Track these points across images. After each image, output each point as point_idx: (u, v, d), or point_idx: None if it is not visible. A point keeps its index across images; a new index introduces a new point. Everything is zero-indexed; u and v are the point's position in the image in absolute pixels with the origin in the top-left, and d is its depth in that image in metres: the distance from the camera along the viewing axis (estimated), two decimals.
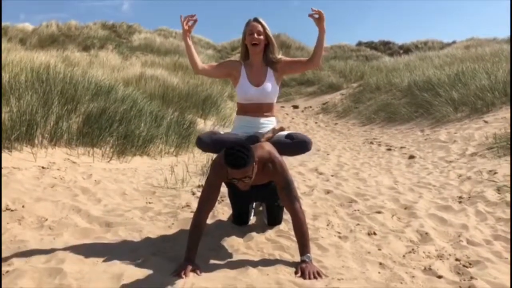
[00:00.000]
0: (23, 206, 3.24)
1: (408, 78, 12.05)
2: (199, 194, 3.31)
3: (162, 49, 21.03)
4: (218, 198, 3.75)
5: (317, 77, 16.59)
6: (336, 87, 15.55)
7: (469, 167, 5.01)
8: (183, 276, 2.32)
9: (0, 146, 4.31)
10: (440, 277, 2.35)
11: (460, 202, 3.80)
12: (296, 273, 2.37)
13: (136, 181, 4.50)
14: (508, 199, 3.60)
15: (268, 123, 2.92)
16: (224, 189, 3.42)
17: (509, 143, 5.25)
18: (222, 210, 3.52)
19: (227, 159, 2.33)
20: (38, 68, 6.48)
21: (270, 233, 3.04)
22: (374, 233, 3.06)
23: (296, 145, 2.75)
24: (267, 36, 2.84)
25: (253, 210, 3.32)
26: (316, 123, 11.84)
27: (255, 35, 2.82)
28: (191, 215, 2.68)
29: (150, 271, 2.37)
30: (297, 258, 2.54)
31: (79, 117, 5.71)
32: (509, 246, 2.80)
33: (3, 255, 2.47)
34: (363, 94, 13.14)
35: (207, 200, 2.56)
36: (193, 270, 2.38)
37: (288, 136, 2.80)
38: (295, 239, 2.88)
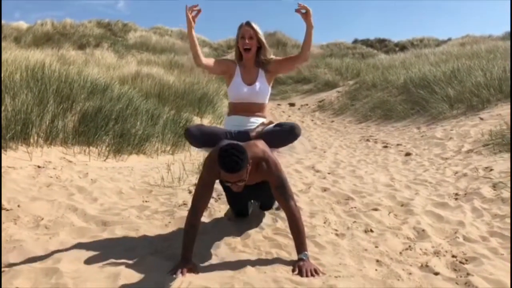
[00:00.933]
0: (18, 206, 3.23)
1: (404, 75, 12.07)
2: None
3: (158, 47, 21.00)
4: (215, 196, 3.78)
5: (313, 75, 16.60)
6: (332, 84, 15.55)
7: (465, 164, 5.03)
8: (180, 275, 2.31)
9: (0, 146, 4.29)
10: (436, 273, 2.36)
11: (456, 199, 3.82)
12: (293, 271, 2.37)
13: (133, 180, 4.49)
14: (504, 195, 3.62)
15: (258, 122, 2.92)
16: (218, 186, 3.42)
17: (504, 140, 5.26)
18: (219, 208, 3.52)
19: (221, 162, 2.30)
20: (33, 67, 6.44)
21: (267, 231, 3.04)
22: (371, 230, 3.06)
23: (285, 131, 2.76)
24: (259, 40, 2.88)
25: (251, 204, 3.32)
26: (312, 120, 11.84)
27: (247, 40, 2.86)
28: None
29: (147, 270, 2.36)
30: (295, 256, 2.53)
31: (75, 116, 5.69)
32: (505, 242, 2.81)
33: None
34: (359, 92, 13.15)
35: (201, 198, 2.55)
36: (190, 269, 2.37)
37: (277, 125, 2.85)
38: (292, 236, 2.89)
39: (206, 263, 2.51)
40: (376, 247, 2.76)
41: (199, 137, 2.75)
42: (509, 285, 2.20)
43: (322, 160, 6.19)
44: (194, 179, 4.51)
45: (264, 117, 2.99)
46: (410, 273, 2.37)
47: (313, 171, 5.27)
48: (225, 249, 2.72)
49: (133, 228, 3.05)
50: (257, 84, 2.93)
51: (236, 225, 3.12)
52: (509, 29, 21.14)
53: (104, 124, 5.69)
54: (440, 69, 11.12)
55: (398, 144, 7.17)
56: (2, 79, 5.51)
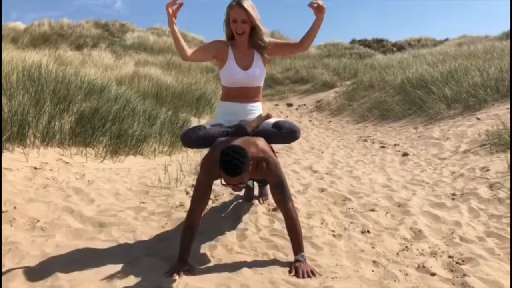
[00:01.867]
0: (14, 207, 3.21)
1: (402, 75, 12.07)
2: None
3: (156, 47, 20.96)
4: (212, 197, 3.77)
5: (311, 75, 16.60)
6: (330, 85, 15.55)
7: (462, 164, 5.03)
8: (177, 276, 2.31)
9: (0, 146, 4.27)
10: (433, 274, 2.36)
11: (453, 199, 3.82)
12: (290, 272, 2.37)
13: (130, 181, 4.48)
14: (501, 195, 3.62)
15: (254, 109, 2.85)
16: (216, 187, 3.42)
17: (501, 140, 5.27)
18: (216, 209, 3.51)
19: (223, 165, 2.26)
20: (29, 68, 6.42)
21: (264, 232, 3.04)
22: (368, 231, 3.07)
23: (285, 134, 2.71)
24: (252, 21, 2.69)
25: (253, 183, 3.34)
26: (310, 121, 11.84)
27: (240, 23, 2.68)
28: (185, 214, 2.66)
29: (143, 272, 2.36)
30: (291, 257, 2.53)
31: (72, 117, 5.67)
32: (501, 242, 2.81)
33: None
34: (356, 92, 13.15)
35: (200, 199, 2.54)
36: (187, 270, 2.37)
37: (276, 125, 2.73)
38: (289, 238, 2.89)
39: (203, 265, 2.51)
40: (373, 247, 2.76)
41: (195, 140, 2.68)
42: (505, 285, 2.21)
43: (320, 160, 6.19)
44: (191, 180, 4.50)
45: (259, 101, 2.89)
46: (406, 274, 2.37)
47: (311, 172, 5.27)
48: (221, 250, 2.72)
49: (130, 230, 3.04)
50: (254, 69, 2.79)
51: (233, 226, 3.12)
52: (506, 29, 21.19)
53: (101, 125, 5.66)
54: (437, 69, 11.13)
55: (395, 144, 7.18)
56: None
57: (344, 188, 4.31)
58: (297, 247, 2.46)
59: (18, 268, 2.35)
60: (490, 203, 3.56)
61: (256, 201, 3.63)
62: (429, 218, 3.35)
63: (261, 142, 2.58)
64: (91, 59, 13.67)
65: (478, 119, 7.27)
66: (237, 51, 2.80)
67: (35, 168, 4.26)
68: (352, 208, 3.62)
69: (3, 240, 2.72)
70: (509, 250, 2.67)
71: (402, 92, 10.82)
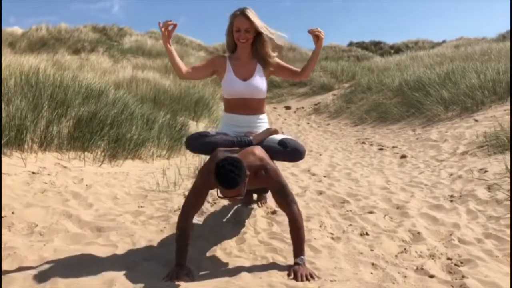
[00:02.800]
0: (12, 213, 3.20)
1: (399, 77, 12.12)
2: None
3: (153, 51, 20.98)
4: (210, 201, 3.78)
5: (309, 78, 16.61)
6: (328, 87, 15.59)
7: (460, 165, 5.04)
8: (176, 280, 2.31)
9: (0, 147, 4.26)
10: (432, 276, 2.36)
11: (451, 201, 3.82)
12: (288, 275, 2.37)
13: (128, 185, 4.47)
14: (499, 197, 3.63)
15: (260, 122, 2.83)
16: (214, 191, 3.40)
17: (499, 141, 5.29)
18: (214, 213, 3.51)
19: (218, 178, 2.22)
20: (27, 72, 6.41)
21: (263, 235, 3.04)
22: (367, 234, 3.07)
23: (289, 153, 2.66)
24: (256, 30, 2.69)
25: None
26: (308, 123, 11.86)
27: (243, 33, 2.68)
28: None
29: (142, 276, 2.36)
30: (290, 260, 2.53)
31: (70, 121, 5.66)
32: (500, 244, 2.81)
33: None
34: (354, 95, 13.18)
35: (193, 205, 2.52)
36: (186, 275, 2.37)
37: (281, 142, 2.68)
38: (288, 241, 2.89)
39: (201, 269, 2.51)
40: (372, 250, 2.76)
41: (199, 146, 2.65)
42: (504, 287, 2.21)
43: (318, 163, 6.19)
44: (189, 183, 4.50)
45: (263, 113, 2.87)
46: (405, 276, 2.37)
47: (309, 174, 5.27)
48: (220, 254, 2.71)
49: (128, 234, 3.03)
50: (254, 79, 2.75)
51: (232, 230, 3.11)
52: (502, 31, 21.29)
53: (99, 129, 5.66)
54: (435, 71, 11.17)
55: (393, 147, 7.19)
56: None
57: (343, 190, 4.32)
58: (299, 251, 2.46)
59: (16, 273, 2.35)
60: (488, 205, 3.57)
61: (254, 205, 3.63)
62: (427, 220, 3.35)
63: (258, 150, 2.54)
64: (89, 63, 13.68)
65: (476, 120, 7.29)
66: (237, 63, 2.78)
67: (33, 172, 4.25)
68: (350, 211, 3.62)
69: (1, 245, 2.71)
70: (507, 251, 2.67)
71: (400, 94, 10.86)
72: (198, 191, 2.54)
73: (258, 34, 2.72)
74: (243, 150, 2.54)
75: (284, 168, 5.68)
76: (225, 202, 3.84)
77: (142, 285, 2.26)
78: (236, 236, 2.99)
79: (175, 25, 2.64)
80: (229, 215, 3.46)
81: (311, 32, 2.72)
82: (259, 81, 2.77)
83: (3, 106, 4.99)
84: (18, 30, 23.13)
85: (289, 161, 2.77)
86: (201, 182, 2.52)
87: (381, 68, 15.93)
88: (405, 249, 2.76)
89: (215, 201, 3.85)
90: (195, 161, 5.80)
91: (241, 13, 2.68)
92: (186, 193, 4.09)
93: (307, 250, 2.73)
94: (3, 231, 2.94)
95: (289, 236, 2.94)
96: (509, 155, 4.73)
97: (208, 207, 3.68)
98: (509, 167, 4.15)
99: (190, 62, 19.18)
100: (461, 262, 2.55)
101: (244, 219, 3.31)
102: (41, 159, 4.68)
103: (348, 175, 5.22)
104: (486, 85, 8.48)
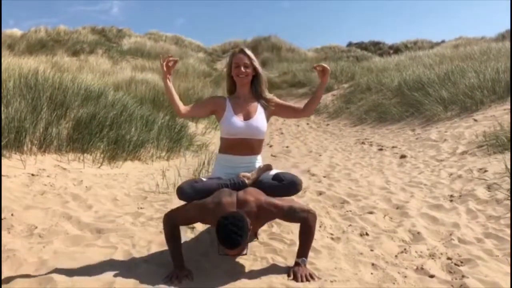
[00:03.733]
0: (12, 215, 3.20)
1: (398, 78, 12.11)
2: None
3: (153, 53, 21.00)
4: None
5: (308, 79, 16.65)
6: (327, 88, 15.56)
7: (459, 165, 5.04)
8: (175, 281, 2.31)
9: (0, 148, 4.26)
10: (432, 276, 2.36)
11: (451, 200, 3.82)
12: (288, 276, 2.37)
13: (127, 187, 4.47)
14: (498, 196, 3.63)
15: (254, 162, 2.73)
16: None
17: (498, 141, 5.29)
18: None
19: (219, 238, 2.17)
20: (26, 74, 6.41)
21: (263, 236, 3.03)
22: (367, 234, 3.06)
23: (286, 186, 2.56)
24: (254, 68, 2.70)
25: None
26: (307, 124, 11.85)
27: (242, 68, 2.67)
28: None
29: (141, 278, 2.36)
30: (290, 261, 2.53)
31: (69, 123, 5.66)
32: (500, 243, 2.81)
33: None
34: (354, 95, 13.18)
35: (182, 222, 2.50)
36: (185, 276, 2.37)
37: (276, 177, 2.61)
38: (287, 241, 2.89)
39: (201, 270, 2.50)
40: (372, 250, 2.75)
41: (193, 195, 2.47)
42: (503, 286, 2.20)
43: (318, 163, 6.19)
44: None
45: (259, 154, 2.78)
46: (405, 276, 2.37)
47: (309, 175, 5.26)
48: (219, 255, 2.70)
49: (128, 235, 3.03)
50: (256, 119, 2.67)
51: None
52: (502, 31, 21.31)
53: (98, 130, 5.67)
54: (434, 71, 11.18)
55: (393, 147, 7.18)
56: None
57: (342, 191, 4.31)
58: (303, 252, 2.45)
59: (16, 275, 2.35)
60: (488, 204, 3.56)
61: None
62: (427, 220, 3.35)
63: (251, 195, 2.42)
64: (88, 65, 13.69)
65: (475, 120, 7.29)
66: (237, 102, 2.73)
67: (33, 174, 4.24)
68: (350, 211, 3.62)
69: (1, 247, 2.71)
70: (507, 251, 2.67)
71: (399, 95, 10.85)
72: (189, 220, 2.54)
73: (255, 75, 2.72)
74: (239, 197, 2.41)
75: (284, 169, 5.67)
76: None
77: (141, 286, 2.26)
78: None
79: (175, 61, 2.63)
80: None
81: (316, 68, 2.73)
82: (260, 122, 2.70)
83: (2, 108, 4.99)
84: (17, 32, 23.17)
85: (286, 194, 2.60)
86: (196, 217, 2.47)
87: (380, 68, 15.94)
88: (405, 249, 2.76)
89: None
90: (195, 162, 5.80)
91: (240, 51, 2.73)
92: None
93: None
94: (2, 233, 2.93)
95: (288, 236, 2.96)
96: (509, 154, 4.73)
97: None
98: (508, 166, 4.15)
99: (189, 62, 19.19)
100: (461, 262, 2.54)
101: None
102: (40, 161, 4.67)
103: (348, 175, 5.22)
104: (485, 85, 8.48)
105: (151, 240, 2.96)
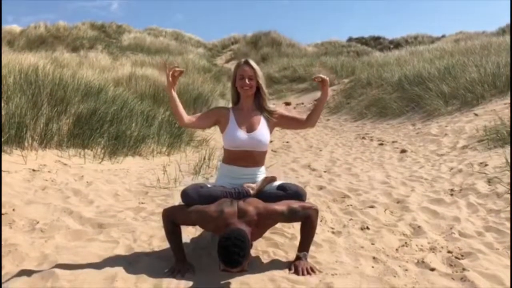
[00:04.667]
0: (13, 210, 3.21)
1: (399, 72, 12.09)
2: None
3: (152, 48, 20.96)
4: None
5: (308, 74, 16.61)
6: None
7: (460, 159, 5.04)
8: (177, 275, 2.32)
9: (0, 147, 4.27)
10: (432, 269, 2.37)
11: (451, 194, 3.83)
12: (290, 269, 2.38)
13: (128, 182, 4.48)
14: (499, 190, 3.63)
15: (260, 174, 2.72)
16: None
17: (499, 135, 5.29)
18: None
19: (220, 256, 2.16)
20: (26, 70, 6.41)
21: None
22: (367, 228, 3.07)
23: (289, 197, 2.53)
24: (257, 81, 2.67)
25: None
26: None
27: (246, 80, 2.65)
28: None
29: (143, 272, 2.36)
30: (291, 255, 2.54)
31: (69, 119, 5.67)
32: (500, 237, 2.82)
33: None
34: (354, 90, 13.17)
35: (183, 224, 2.51)
36: (187, 269, 2.38)
37: (280, 187, 2.60)
38: (288, 235, 2.90)
39: (203, 264, 2.51)
40: (373, 244, 2.76)
41: (197, 200, 2.45)
42: (504, 279, 2.21)
43: (318, 158, 6.20)
44: (190, 180, 4.50)
45: (263, 165, 2.77)
46: (406, 270, 2.38)
47: (309, 170, 5.27)
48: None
49: (129, 230, 3.04)
50: (259, 132, 2.66)
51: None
52: (502, 25, 21.24)
53: (99, 126, 5.67)
54: (435, 65, 11.15)
55: (393, 141, 7.19)
56: None
57: (343, 185, 4.32)
58: (304, 246, 2.45)
59: (18, 269, 2.35)
60: (488, 198, 3.57)
61: None
62: (428, 214, 3.35)
63: (250, 206, 2.41)
64: (87, 61, 13.66)
65: (476, 114, 7.29)
66: (241, 114, 2.72)
67: (34, 170, 4.25)
68: (351, 205, 3.63)
69: (2, 242, 2.71)
70: (507, 244, 2.68)
71: (400, 89, 10.84)
72: (189, 223, 2.53)
73: (259, 88, 2.71)
74: (239, 207, 2.40)
75: (284, 164, 5.69)
76: None
77: (143, 280, 2.27)
78: None
79: (181, 72, 2.62)
80: None
81: (315, 80, 2.71)
82: (264, 134, 2.69)
83: (2, 104, 4.99)
84: (16, 28, 23.09)
85: None
86: (196, 221, 2.46)
87: (380, 63, 15.89)
88: (405, 242, 2.77)
89: None
90: (195, 157, 5.81)
91: (245, 62, 2.70)
92: None
93: None
94: (4, 228, 2.94)
95: (289, 231, 2.97)
96: (509, 148, 4.73)
97: None
98: (509, 160, 4.16)
99: (189, 58, 19.15)
100: (462, 255, 2.55)
101: None
102: (41, 157, 4.68)
103: (348, 170, 5.22)
104: (486, 79, 8.47)
105: (153, 235, 2.97)
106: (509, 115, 6.30)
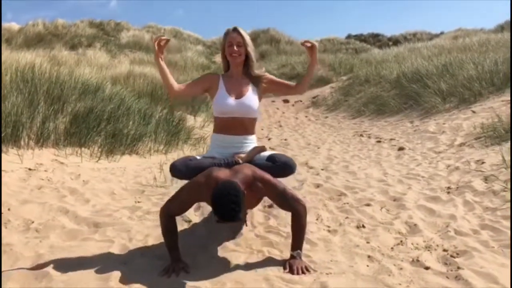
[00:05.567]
0: (9, 209, 3.21)
1: (397, 70, 12.08)
2: None
3: (151, 46, 20.84)
4: None
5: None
6: (326, 80, 15.56)
7: (457, 157, 5.04)
8: (172, 274, 2.32)
9: (0, 147, 4.26)
10: (427, 268, 2.36)
11: (448, 192, 3.82)
12: (284, 268, 2.37)
13: (125, 180, 4.47)
14: (495, 188, 3.62)
15: (248, 143, 2.75)
16: None
17: (496, 132, 5.28)
18: (210, 208, 3.50)
19: (217, 211, 2.16)
20: (23, 69, 6.39)
21: (260, 229, 3.04)
22: (363, 226, 3.07)
23: (279, 168, 2.57)
24: (246, 48, 2.70)
25: None
26: (306, 116, 11.85)
27: (235, 47, 2.68)
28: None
29: (138, 271, 2.36)
30: (286, 254, 2.53)
31: (66, 117, 5.65)
32: (496, 235, 2.81)
33: None
34: (352, 87, 13.16)
35: (179, 210, 2.49)
36: (182, 268, 2.37)
37: (270, 158, 2.63)
38: (284, 234, 2.89)
39: (198, 263, 2.50)
40: (368, 242, 2.76)
41: (186, 172, 2.52)
42: (499, 278, 2.21)
43: (316, 156, 6.19)
44: None
45: (253, 134, 2.80)
46: (401, 268, 2.37)
47: (307, 168, 5.27)
48: (216, 248, 2.71)
49: (125, 229, 3.04)
50: (247, 98, 2.70)
51: (228, 224, 3.10)
52: (501, 22, 21.21)
53: (96, 124, 5.66)
54: (433, 63, 11.14)
55: (391, 139, 7.18)
56: None
57: (340, 183, 4.32)
58: (297, 244, 2.44)
59: (12, 269, 2.35)
60: (485, 196, 3.56)
61: None
62: (424, 212, 3.35)
63: (247, 168, 2.43)
64: (86, 58, 13.63)
65: (474, 112, 7.28)
66: (230, 81, 2.75)
67: (30, 169, 4.24)
68: (347, 203, 3.62)
69: None
70: (503, 242, 2.67)
71: (398, 87, 10.83)
72: (183, 205, 2.48)
73: (248, 55, 2.73)
74: (232, 170, 2.42)
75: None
76: None
77: (138, 279, 2.27)
78: (233, 230, 2.99)
79: (167, 40, 2.65)
80: None
81: (303, 44, 2.74)
82: (252, 100, 2.72)
83: None
84: (14, 26, 23.04)
85: (279, 176, 2.59)
86: (189, 197, 2.44)
87: (379, 60, 15.91)
88: (401, 241, 2.76)
89: None
90: (193, 155, 5.79)
91: (233, 29, 2.73)
92: None
93: (303, 243, 2.73)
94: None
95: (285, 229, 2.96)
96: (506, 146, 4.73)
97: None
98: (505, 157, 4.16)
99: (188, 55, 19.11)
100: (457, 254, 2.55)
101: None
102: (37, 155, 4.67)
103: (346, 167, 5.22)
104: (484, 76, 8.46)
105: (148, 234, 2.97)
106: (507, 112, 6.30)
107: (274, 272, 2.34)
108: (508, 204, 3.26)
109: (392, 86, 11.26)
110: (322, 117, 11.62)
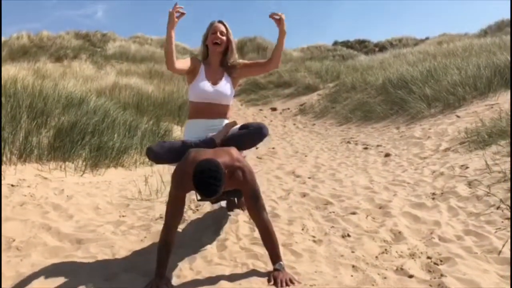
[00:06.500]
0: None
1: (383, 76, 12.19)
2: None
3: (138, 56, 20.86)
4: (193, 208, 3.75)
5: (293, 79, 16.66)
6: (313, 88, 15.62)
7: (442, 162, 5.08)
8: None
9: (1, 155, 4.17)
10: (411, 276, 2.37)
11: (433, 198, 3.85)
12: (268, 281, 2.35)
13: (110, 194, 4.42)
14: (479, 193, 3.66)
15: (222, 125, 2.84)
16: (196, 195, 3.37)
17: (479, 137, 5.34)
18: (196, 220, 3.48)
19: (197, 187, 2.19)
20: (4, 83, 6.31)
21: (245, 241, 3.02)
22: (348, 235, 3.07)
23: (252, 132, 2.70)
24: (228, 39, 2.86)
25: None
26: (294, 124, 11.87)
27: (218, 33, 2.83)
28: None
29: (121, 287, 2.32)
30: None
31: (50, 131, 5.58)
32: (479, 240, 2.84)
33: None
34: (339, 94, 13.23)
35: (174, 214, 2.47)
36: (165, 284, 2.34)
37: (243, 126, 2.78)
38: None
39: (182, 278, 2.48)
40: (353, 252, 2.76)
41: (162, 155, 2.64)
42: (481, 284, 2.22)
43: (303, 164, 6.19)
44: None
45: (227, 118, 2.91)
46: (385, 277, 2.37)
47: (293, 176, 5.27)
48: (201, 262, 2.69)
49: (108, 245, 2.99)
50: (222, 85, 2.84)
51: (213, 237, 3.09)
52: (484, 27, 21.59)
53: (80, 138, 5.59)
54: (417, 68, 11.26)
55: (378, 145, 7.22)
56: None
57: (326, 192, 4.32)
58: (275, 257, 2.44)
59: None
60: (468, 201, 3.59)
61: (237, 210, 3.61)
62: (409, 219, 3.36)
63: (234, 151, 2.52)
64: (71, 70, 13.54)
65: (458, 116, 7.37)
66: (209, 68, 2.88)
67: (12, 185, 4.17)
68: (333, 212, 3.62)
69: None
70: (486, 248, 2.69)
71: (384, 93, 10.92)
72: (175, 199, 2.48)
73: (228, 47, 2.88)
74: (217, 150, 2.51)
75: (268, 171, 5.68)
76: (208, 208, 3.81)
77: None
78: (217, 243, 2.97)
79: (182, 13, 2.69)
80: (210, 222, 3.43)
81: (271, 16, 2.79)
82: (226, 87, 2.86)
83: None
84: None
85: (255, 140, 2.73)
86: (176, 188, 2.46)
87: (365, 67, 16.02)
88: (386, 249, 2.77)
89: (197, 207, 3.83)
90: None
91: (218, 21, 2.90)
92: None
93: (288, 255, 2.72)
94: None
95: None
96: (489, 150, 4.79)
97: (190, 214, 3.65)
98: (488, 162, 4.20)
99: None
100: (441, 261, 2.56)
101: (226, 226, 3.29)
102: (20, 171, 4.60)
103: (333, 175, 5.23)
104: (467, 81, 8.57)
105: (132, 249, 2.93)
106: (490, 116, 6.39)
107: (258, 285, 2.32)
108: (492, 209, 3.29)
109: (378, 92, 11.35)
110: (309, 124, 11.65)
